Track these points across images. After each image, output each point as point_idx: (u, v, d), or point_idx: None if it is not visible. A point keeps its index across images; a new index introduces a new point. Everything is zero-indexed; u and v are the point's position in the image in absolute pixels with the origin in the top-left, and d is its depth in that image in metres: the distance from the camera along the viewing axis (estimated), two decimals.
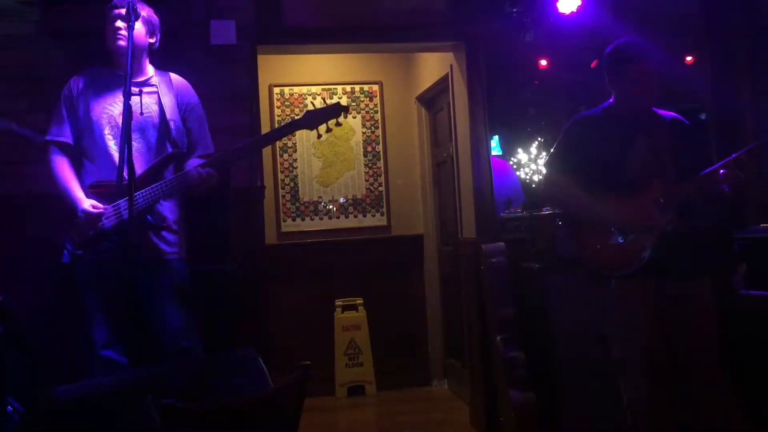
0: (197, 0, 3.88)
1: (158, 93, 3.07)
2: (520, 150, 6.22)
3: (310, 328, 5.35)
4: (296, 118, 3.02)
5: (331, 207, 5.68)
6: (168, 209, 3.04)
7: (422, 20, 4.26)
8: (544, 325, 3.77)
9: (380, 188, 5.73)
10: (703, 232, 2.98)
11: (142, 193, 2.90)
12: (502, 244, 4.02)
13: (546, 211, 4.03)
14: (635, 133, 2.98)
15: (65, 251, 2.99)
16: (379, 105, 5.74)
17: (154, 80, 3.10)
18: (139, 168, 2.96)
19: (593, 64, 4.43)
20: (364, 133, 5.73)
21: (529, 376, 3.72)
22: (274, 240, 5.48)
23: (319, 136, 3.04)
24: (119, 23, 2.97)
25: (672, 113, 3.08)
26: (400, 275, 5.62)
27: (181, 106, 3.10)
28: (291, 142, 5.60)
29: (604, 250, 2.94)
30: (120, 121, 2.93)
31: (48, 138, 3.06)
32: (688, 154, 2.96)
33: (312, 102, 3.10)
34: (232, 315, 3.51)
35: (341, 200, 5.69)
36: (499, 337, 3.83)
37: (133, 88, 2.96)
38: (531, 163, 6.15)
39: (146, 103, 3.04)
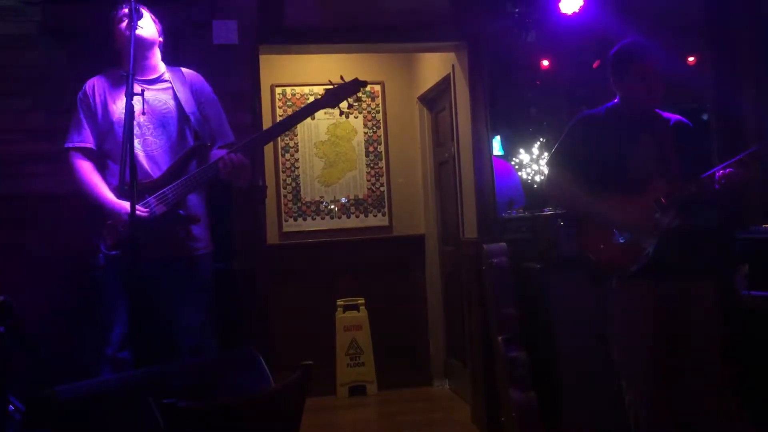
0: (199, 0, 3.88)
1: (173, 88, 3.07)
2: (521, 150, 6.22)
3: (311, 327, 5.36)
4: (317, 98, 3.04)
5: (332, 207, 5.68)
6: (195, 203, 3.04)
7: (424, 20, 4.26)
8: (545, 325, 3.77)
9: (382, 188, 5.73)
10: (705, 233, 2.98)
11: (171, 187, 2.90)
12: (503, 244, 4.02)
13: (548, 211, 4.03)
14: (638, 133, 2.98)
15: (100, 254, 2.98)
16: (380, 105, 5.74)
17: (167, 76, 3.11)
18: (164, 164, 2.99)
19: (595, 65, 4.43)
20: (365, 133, 5.73)
21: (530, 376, 3.72)
22: (276, 240, 5.48)
23: (342, 113, 3.06)
24: (127, 24, 2.97)
25: (676, 115, 3.08)
26: (402, 275, 5.62)
27: (198, 98, 3.10)
28: (293, 141, 5.61)
29: (605, 250, 2.94)
30: (144, 119, 2.95)
31: (69, 145, 3.04)
32: (691, 155, 2.96)
33: (330, 108, 3.12)
34: (233, 314, 3.51)
35: (343, 200, 5.69)
36: (500, 337, 3.83)
37: (145, 86, 2.99)
38: (533, 163, 6.15)
39: (163, 99, 3.05)
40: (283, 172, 5.61)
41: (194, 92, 3.11)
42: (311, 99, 5.58)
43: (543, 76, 5.27)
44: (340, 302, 5.39)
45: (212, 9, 3.89)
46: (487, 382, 4.11)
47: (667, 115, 3.06)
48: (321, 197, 5.67)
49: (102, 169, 3.05)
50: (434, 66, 5.18)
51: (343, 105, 3.04)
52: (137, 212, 2.85)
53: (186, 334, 2.99)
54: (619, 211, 2.90)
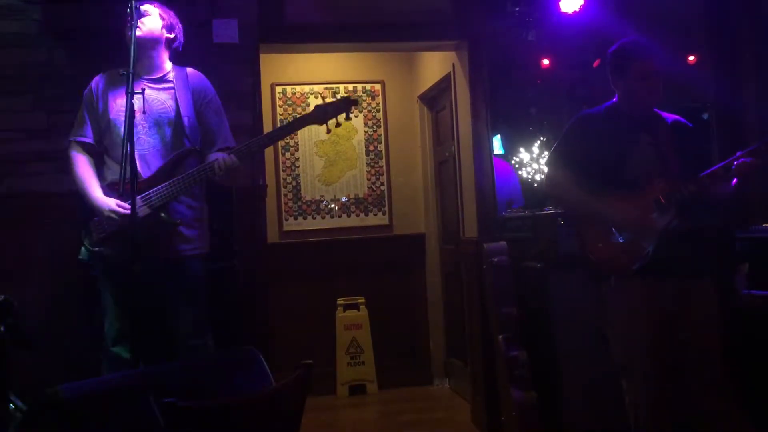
0: None
1: (174, 89, 3.07)
2: (522, 149, 6.23)
3: (311, 326, 5.35)
4: (304, 113, 3.04)
5: (333, 206, 5.68)
6: (188, 204, 3.04)
7: (424, 19, 4.26)
8: (546, 325, 3.77)
9: (382, 187, 5.73)
10: (704, 232, 2.98)
11: (156, 189, 2.91)
12: (504, 243, 4.02)
13: (548, 211, 4.03)
14: (637, 133, 2.98)
15: (82, 248, 3.00)
16: (381, 104, 5.74)
17: (171, 76, 3.10)
18: (155, 164, 2.98)
19: (595, 64, 4.43)
20: (366, 132, 5.73)
21: (530, 376, 3.72)
22: (276, 239, 5.48)
23: (329, 131, 3.06)
24: (135, 18, 2.96)
25: (675, 115, 3.07)
26: (402, 274, 5.62)
27: (197, 101, 3.10)
28: (293, 140, 5.60)
29: (604, 249, 2.94)
30: (140, 118, 2.95)
31: (70, 138, 3.10)
32: (690, 155, 2.96)
33: (322, 98, 3.13)
34: (234, 313, 3.51)
35: (343, 199, 5.69)
36: (500, 336, 3.83)
37: (148, 84, 2.99)
38: (533, 162, 6.16)
39: (162, 99, 3.05)
40: (284, 170, 5.61)
41: (195, 95, 3.10)
42: (311, 98, 5.62)
43: (543, 75, 5.27)
44: (340, 301, 5.39)
45: (212, 8, 3.89)
46: (487, 381, 4.11)
47: (666, 115, 3.06)
48: (321, 196, 5.67)
49: (100, 165, 3.07)
50: (434, 65, 5.18)
51: (331, 122, 3.04)
52: (119, 211, 2.86)
53: (180, 337, 2.99)
54: (618, 210, 2.90)
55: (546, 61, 5.08)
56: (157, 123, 3.02)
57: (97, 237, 2.95)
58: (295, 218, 5.62)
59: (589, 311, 3.16)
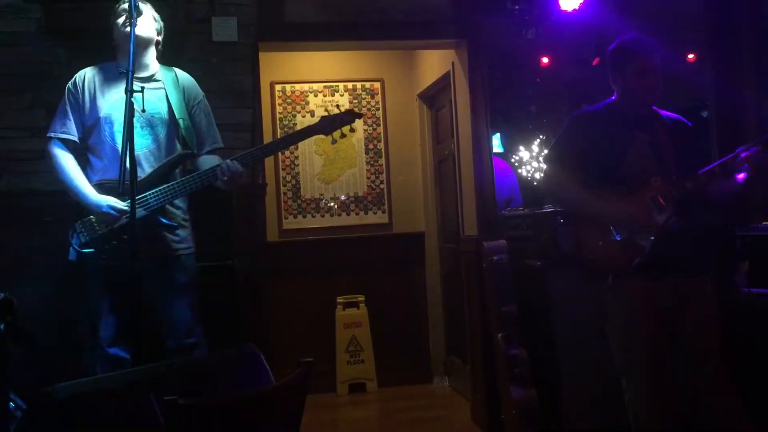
0: None
1: (165, 89, 3.05)
2: (521, 147, 6.23)
3: (311, 325, 5.36)
4: (312, 123, 3.07)
5: (332, 204, 5.67)
6: (178, 205, 3.03)
7: (424, 17, 4.26)
8: (545, 323, 3.77)
9: (382, 186, 5.73)
10: (703, 230, 2.98)
11: (155, 192, 2.89)
12: (503, 241, 4.02)
13: (548, 209, 4.03)
14: (635, 130, 2.97)
15: (71, 249, 2.97)
16: (380, 102, 5.74)
17: (159, 76, 3.08)
18: (148, 165, 2.96)
19: (595, 62, 4.43)
20: (365, 130, 5.72)
21: (530, 374, 3.72)
22: (276, 237, 5.48)
23: (334, 141, 3.09)
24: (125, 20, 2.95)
25: (674, 114, 3.07)
26: (402, 273, 5.62)
27: (189, 103, 3.09)
28: None
29: (601, 248, 2.94)
30: (135, 117, 2.93)
31: (51, 134, 3.02)
32: (689, 154, 2.95)
33: (329, 106, 3.16)
34: (234, 312, 3.51)
35: (342, 198, 5.69)
36: (500, 335, 3.83)
37: (137, 84, 2.97)
38: (532, 160, 6.16)
39: (153, 100, 3.02)
40: (283, 169, 5.61)
41: (186, 96, 3.09)
42: (311, 96, 5.62)
43: (543, 73, 5.27)
44: (340, 299, 5.39)
45: (212, 6, 3.89)
46: (487, 379, 4.11)
47: (664, 113, 3.06)
48: (321, 195, 5.67)
49: (83, 164, 3.01)
50: (434, 63, 5.18)
51: (336, 134, 3.05)
52: (118, 207, 2.84)
53: (174, 336, 2.98)
54: (616, 208, 2.90)
55: (545, 60, 5.08)
56: (150, 123, 2.99)
57: (85, 238, 2.91)
58: (295, 217, 5.62)
59: (589, 309, 3.16)
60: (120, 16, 2.95)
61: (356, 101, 5.70)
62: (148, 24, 3.02)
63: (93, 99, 3.01)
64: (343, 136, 3.07)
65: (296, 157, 5.63)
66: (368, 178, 5.72)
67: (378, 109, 5.73)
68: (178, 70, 3.14)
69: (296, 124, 5.58)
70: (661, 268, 2.85)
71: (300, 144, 5.61)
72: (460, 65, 4.52)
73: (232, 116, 3.79)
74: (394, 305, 5.54)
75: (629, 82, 2.96)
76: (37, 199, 3.61)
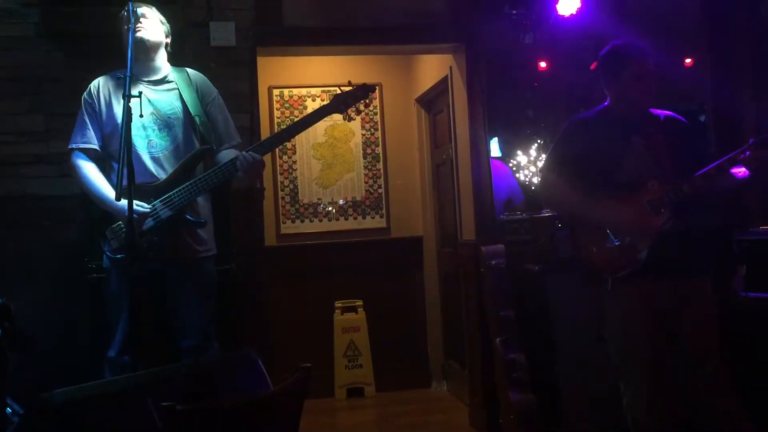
0: (197, 1, 3.88)
1: (178, 89, 3.06)
2: (519, 152, 6.23)
3: (309, 329, 5.35)
4: (325, 104, 3.02)
5: (330, 209, 5.67)
6: (201, 205, 3.05)
7: (422, 22, 4.26)
8: (544, 327, 3.77)
9: (380, 190, 5.73)
10: (701, 233, 2.98)
11: (178, 191, 2.90)
12: (501, 246, 4.02)
13: (546, 213, 4.03)
14: (630, 135, 2.97)
15: (104, 256, 2.98)
16: (378, 107, 5.74)
17: (172, 77, 3.10)
18: (170, 166, 2.98)
19: (592, 66, 4.42)
20: (363, 134, 5.73)
21: (529, 378, 3.72)
22: (274, 242, 5.48)
23: (351, 119, 3.05)
24: (134, 21, 2.95)
25: (668, 112, 3.07)
26: (400, 277, 5.62)
27: (204, 100, 3.11)
28: (290, 143, 5.60)
29: (600, 252, 2.94)
30: (147, 121, 2.95)
31: (72, 146, 3.05)
32: (686, 153, 2.95)
33: (320, 101, 3.12)
34: (232, 317, 3.51)
35: (341, 202, 5.69)
36: (499, 339, 3.83)
37: (150, 87, 2.99)
38: (530, 165, 6.15)
39: (167, 101, 3.04)
40: (281, 174, 5.61)
41: (200, 94, 3.11)
42: (308, 101, 5.62)
43: (540, 77, 5.28)
44: (338, 304, 5.39)
45: (210, 10, 3.89)
46: (485, 384, 4.10)
47: (658, 112, 3.05)
48: (319, 199, 5.67)
49: (106, 171, 3.04)
50: (432, 68, 5.18)
51: (351, 111, 3.04)
52: (140, 211, 2.85)
53: (190, 336, 2.99)
54: (614, 213, 2.90)
55: (543, 64, 5.08)
56: (167, 124, 3.02)
57: (117, 244, 2.92)
58: (293, 221, 5.61)
59: (587, 313, 3.16)
60: (125, 22, 2.94)
61: (364, 108, 5.68)
62: (155, 27, 3.04)
63: (109, 106, 3.04)
64: (358, 112, 3.04)
65: (294, 162, 5.63)
66: (366, 182, 5.72)
67: (376, 114, 5.73)
68: (190, 70, 3.17)
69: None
70: (660, 270, 2.85)
71: (298, 148, 5.62)
72: (457, 70, 4.52)
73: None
74: (393, 310, 5.53)
75: (623, 86, 2.96)
76: (35, 203, 3.60)
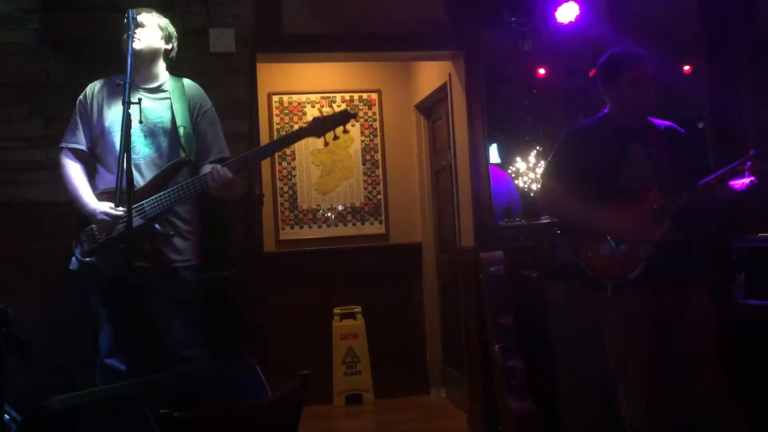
0: (196, 8, 3.88)
1: (170, 99, 3.06)
2: (518, 158, 6.24)
3: (308, 335, 5.34)
4: (302, 126, 3.00)
5: (329, 215, 5.67)
6: (181, 216, 3.03)
7: (421, 29, 4.27)
8: (543, 334, 3.77)
9: (379, 196, 5.73)
10: (701, 241, 2.98)
11: (150, 201, 2.89)
12: (500, 252, 4.02)
13: (545, 220, 4.04)
14: (630, 143, 2.98)
15: (73, 258, 2.98)
16: (377, 113, 5.74)
17: (167, 86, 3.09)
18: (151, 174, 2.98)
19: (591, 73, 4.43)
20: (362, 141, 5.73)
21: (528, 385, 3.72)
22: (273, 248, 5.47)
23: (326, 143, 3.03)
24: (133, 29, 2.95)
25: (667, 122, 3.08)
26: (399, 283, 5.62)
27: (193, 112, 3.09)
28: (290, 149, 5.60)
29: (599, 259, 2.94)
30: (136, 127, 2.93)
31: (62, 145, 3.10)
32: (685, 163, 2.96)
33: (319, 110, 3.10)
34: (230, 322, 3.51)
35: (340, 208, 5.69)
36: (497, 346, 3.83)
37: (143, 94, 2.98)
38: (529, 171, 6.16)
39: (157, 109, 3.04)
40: (280, 180, 5.61)
41: (191, 105, 3.10)
42: (308, 107, 5.63)
43: (539, 84, 5.29)
44: (336, 310, 5.38)
45: (209, 17, 3.90)
46: (484, 391, 4.10)
47: (658, 122, 3.06)
48: (318, 205, 5.67)
49: (92, 174, 3.07)
50: (431, 74, 5.19)
51: (329, 135, 3.01)
52: (111, 213, 2.84)
53: (172, 346, 2.97)
54: (614, 220, 2.91)
55: (542, 71, 5.10)
56: (152, 132, 3.01)
57: (88, 247, 2.93)
58: (292, 227, 5.61)
59: (587, 320, 3.16)
60: (125, 29, 2.94)
61: (344, 134, 5.67)
62: (152, 36, 3.04)
63: (100, 110, 3.06)
64: (336, 138, 3.00)
65: (293, 168, 5.64)
66: (365, 188, 5.73)
67: (375, 120, 5.74)
68: (186, 81, 3.16)
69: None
70: (659, 278, 2.85)
71: (297, 154, 5.62)
72: (457, 76, 4.53)
73: (230, 127, 3.78)
74: (391, 316, 5.53)
75: (622, 94, 2.97)
76: (34, 209, 3.60)
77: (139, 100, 2.83)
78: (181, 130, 3.02)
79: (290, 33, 4.12)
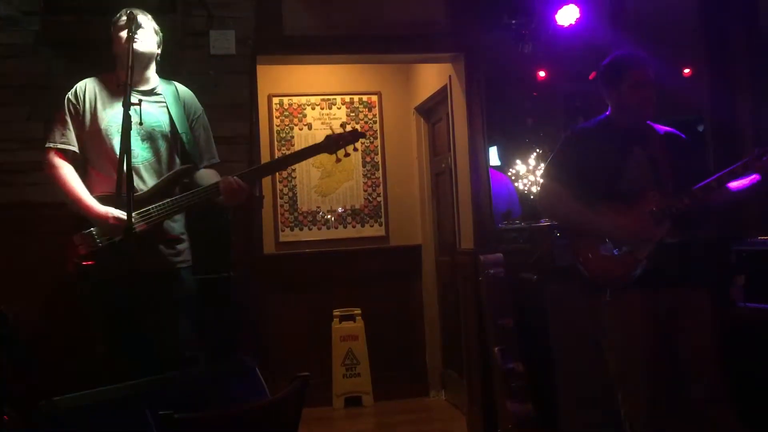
0: (197, 9, 3.89)
1: (165, 102, 3.04)
2: (518, 161, 6.25)
3: (307, 338, 5.34)
4: (317, 143, 3.04)
5: (329, 217, 5.68)
6: (175, 219, 3.01)
7: (422, 31, 4.27)
8: (542, 336, 3.77)
9: (378, 198, 5.73)
10: (701, 244, 2.99)
11: (157, 206, 2.86)
12: (500, 254, 4.02)
13: (544, 222, 4.04)
14: (631, 146, 2.99)
15: (74, 262, 2.96)
16: (377, 115, 5.75)
17: (160, 89, 3.07)
18: (149, 178, 2.95)
19: (591, 76, 4.44)
20: (362, 143, 5.73)
21: (527, 387, 3.72)
22: (273, 250, 5.47)
23: (338, 160, 3.08)
24: (132, 29, 2.94)
25: (668, 127, 3.08)
26: (398, 286, 5.62)
27: (189, 117, 3.08)
28: (290, 150, 5.60)
29: (599, 261, 2.94)
30: (135, 130, 2.89)
31: (50, 145, 2.98)
32: (685, 167, 2.97)
33: (327, 119, 3.12)
34: (229, 324, 3.50)
35: (339, 210, 5.69)
36: (497, 348, 3.83)
37: (138, 97, 2.96)
38: (529, 174, 6.17)
39: (154, 113, 3.01)
40: (280, 182, 5.61)
41: (187, 110, 3.08)
42: (308, 109, 5.64)
43: (539, 87, 5.30)
44: (336, 312, 5.38)
45: (210, 19, 3.90)
46: (483, 393, 4.10)
47: (659, 127, 3.07)
48: (318, 207, 5.67)
49: (82, 176, 2.98)
50: (431, 76, 5.20)
51: (340, 152, 3.05)
52: (123, 218, 2.82)
53: (170, 348, 2.96)
54: (614, 223, 2.91)
55: (542, 74, 5.11)
56: (151, 136, 2.97)
57: (86, 251, 2.87)
58: (292, 229, 5.62)
59: (586, 322, 3.16)
60: (121, 29, 2.91)
61: (353, 114, 5.71)
62: (150, 39, 3.02)
63: (93, 111, 2.98)
64: (347, 155, 3.07)
65: (293, 170, 5.64)
66: (365, 190, 5.73)
67: (375, 122, 5.74)
68: (178, 84, 3.14)
69: (293, 137, 5.59)
70: (659, 280, 2.85)
71: None
72: (457, 79, 4.53)
73: (230, 129, 3.79)
74: (391, 318, 5.53)
75: (623, 97, 2.97)
76: (33, 211, 3.60)
77: (139, 101, 2.82)
78: (184, 137, 3.00)
79: (290, 35, 4.12)
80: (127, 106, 2.59)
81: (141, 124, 2.90)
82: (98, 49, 3.21)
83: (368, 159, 5.74)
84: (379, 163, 5.74)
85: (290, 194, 5.63)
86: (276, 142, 5.56)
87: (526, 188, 6.16)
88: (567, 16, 4.08)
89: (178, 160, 3.03)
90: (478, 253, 4.11)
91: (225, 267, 3.48)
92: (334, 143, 3.03)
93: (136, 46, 2.83)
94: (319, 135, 5.58)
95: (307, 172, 5.66)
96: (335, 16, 4.18)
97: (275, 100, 5.62)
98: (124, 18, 2.90)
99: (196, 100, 3.16)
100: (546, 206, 3.34)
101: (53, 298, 3.49)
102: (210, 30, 3.90)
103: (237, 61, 3.93)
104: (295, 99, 5.65)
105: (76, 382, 2.62)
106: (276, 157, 5.56)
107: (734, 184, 2.86)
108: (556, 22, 4.11)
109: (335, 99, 5.69)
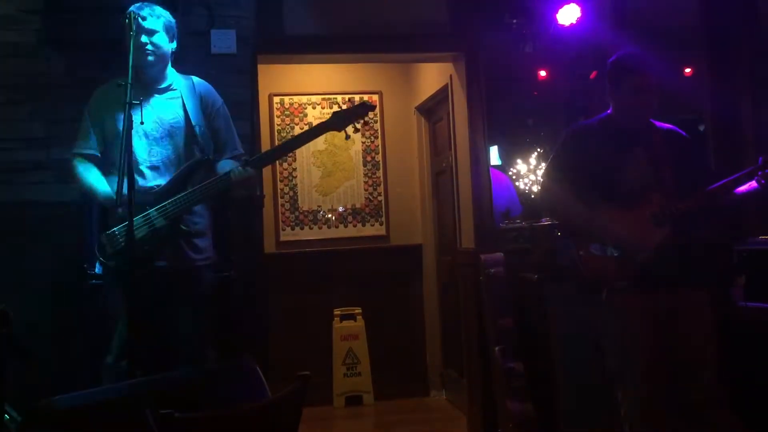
0: (198, 9, 3.89)
1: (182, 97, 3.06)
2: (519, 160, 6.24)
3: (308, 337, 5.34)
4: (324, 120, 3.03)
5: (330, 216, 5.68)
6: (199, 214, 3.03)
7: (423, 31, 4.27)
8: (542, 336, 3.77)
9: (379, 198, 5.73)
10: (701, 245, 2.98)
11: (173, 201, 2.88)
12: (500, 254, 4.02)
13: (545, 222, 4.03)
14: (632, 145, 2.98)
15: (96, 262, 2.96)
16: (378, 115, 5.75)
17: (176, 85, 3.09)
18: (170, 174, 2.98)
19: (592, 75, 4.45)
20: (363, 142, 5.73)
21: (527, 387, 3.72)
22: (273, 249, 5.48)
23: (348, 137, 3.06)
24: (144, 38, 2.94)
25: (669, 125, 3.08)
26: (399, 285, 5.62)
27: (206, 109, 3.10)
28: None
29: (599, 262, 2.94)
30: (149, 129, 2.95)
31: (75, 151, 3.05)
32: (687, 166, 2.96)
33: (339, 105, 3.10)
34: (230, 323, 3.51)
35: (340, 209, 5.69)
36: (497, 348, 3.83)
37: (154, 95, 2.99)
38: (530, 173, 6.16)
39: (171, 109, 3.04)
40: (281, 181, 5.61)
41: (203, 103, 3.10)
42: (309, 108, 5.64)
43: (540, 86, 5.28)
44: (336, 312, 5.39)
45: (211, 18, 3.90)
46: (484, 393, 4.10)
47: (660, 125, 3.06)
48: (318, 206, 5.67)
49: (106, 178, 3.02)
50: (432, 76, 5.19)
51: (349, 129, 3.04)
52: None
53: (184, 345, 2.98)
54: (615, 224, 2.90)
55: (543, 73, 5.09)
56: (169, 133, 3.01)
57: (111, 250, 2.91)
58: (292, 228, 5.62)
59: (586, 322, 3.16)
60: (137, 34, 2.90)
61: (363, 126, 5.69)
62: (163, 41, 3.03)
63: (112, 114, 3.01)
64: (356, 130, 3.04)
65: (294, 169, 5.64)
66: (366, 190, 5.73)
67: (376, 122, 5.74)
68: (195, 78, 3.16)
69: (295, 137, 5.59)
70: (657, 281, 2.85)
71: (298, 156, 5.62)
72: (458, 78, 4.53)
73: None
74: (391, 317, 5.53)
75: (625, 96, 2.97)
76: (33, 210, 3.60)
77: (141, 100, 2.83)
78: (197, 129, 3.03)
79: (291, 34, 4.12)
80: (128, 104, 2.60)
81: (142, 123, 2.92)
82: (99, 48, 3.21)
83: (369, 158, 5.74)
84: (380, 162, 5.74)
85: (291, 193, 5.63)
86: (277, 142, 5.55)
87: (526, 188, 6.15)
88: (568, 15, 4.08)
89: (198, 154, 3.04)
90: (479, 252, 4.11)
91: (225, 266, 3.48)
92: (341, 119, 3.02)
93: (151, 58, 2.87)
94: None
95: (308, 171, 5.66)
96: (336, 15, 4.18)
97: (276, 99, 5.62)
98: (135, 18, 2.89)
99: (215, 92, 3.18)
100: (547, 205, 3.34)
101: (56, 297, 3.50)
102: (211, 29, 3.90)
103: (238, 60, 3.93)
104: (296, 98, 5.65)
105: (76, 382, 2.63)
106: None
107: (737, 189, 2.85)
108: (557, 21, 4.10)
109: (336, 98, 5.69)
